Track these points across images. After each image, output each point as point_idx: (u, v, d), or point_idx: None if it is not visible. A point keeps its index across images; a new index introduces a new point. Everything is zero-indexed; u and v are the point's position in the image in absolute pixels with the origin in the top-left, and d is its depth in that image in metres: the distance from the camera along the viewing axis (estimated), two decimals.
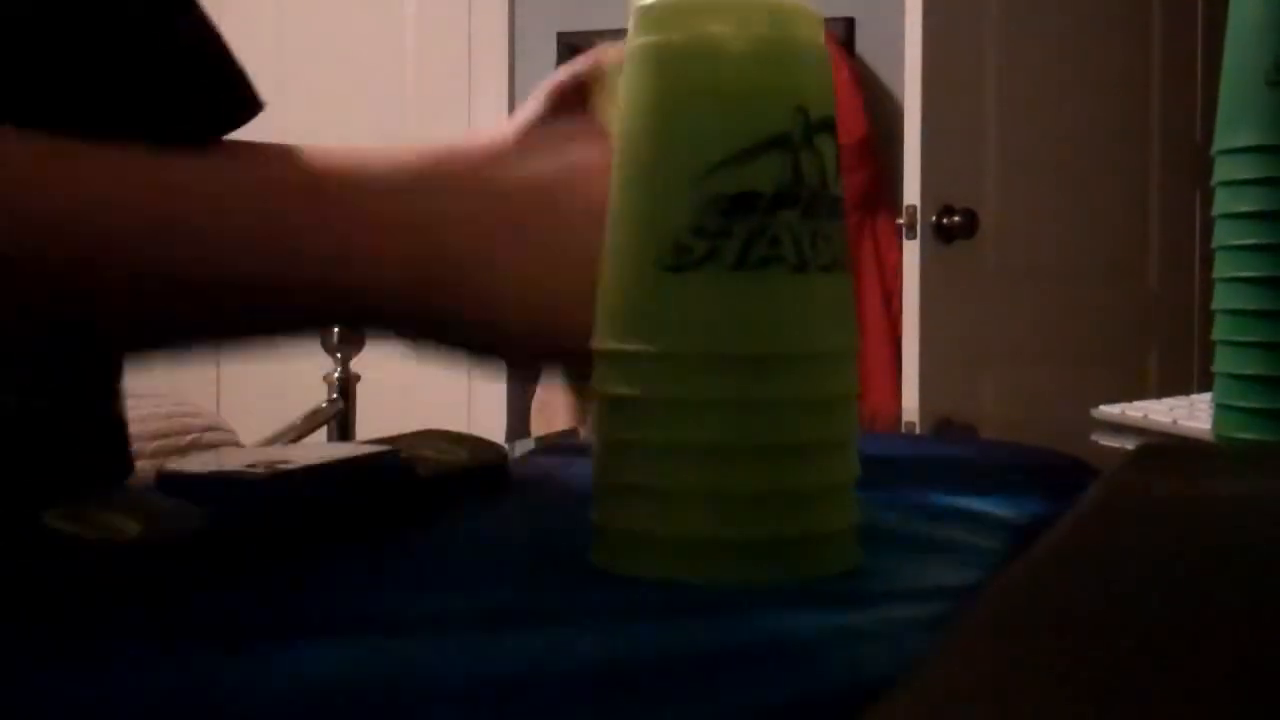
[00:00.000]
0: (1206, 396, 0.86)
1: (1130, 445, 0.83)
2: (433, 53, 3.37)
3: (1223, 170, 0.78)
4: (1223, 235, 0.78)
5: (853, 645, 0.39)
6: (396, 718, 0.34)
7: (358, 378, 2.21)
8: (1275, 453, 0.55)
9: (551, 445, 0.76)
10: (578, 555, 0.49)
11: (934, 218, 2.53)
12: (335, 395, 2.20)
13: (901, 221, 2.55)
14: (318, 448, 0.60)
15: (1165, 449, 0.54)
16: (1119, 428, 0.93)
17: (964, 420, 1.41)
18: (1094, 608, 0.34)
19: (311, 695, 0.35)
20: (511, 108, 3.28)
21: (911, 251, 2.52)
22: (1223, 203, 0.78)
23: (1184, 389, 1.10)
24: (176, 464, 0.54)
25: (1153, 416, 0.90)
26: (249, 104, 0.64)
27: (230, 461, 0.54)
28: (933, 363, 2.55)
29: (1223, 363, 0.77)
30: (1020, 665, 0.29)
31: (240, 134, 0.68)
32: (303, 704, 0.35)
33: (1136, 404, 0.95)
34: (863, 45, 3.01)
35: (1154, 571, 0.37)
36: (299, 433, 2.11)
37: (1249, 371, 0.75)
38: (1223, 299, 0.77)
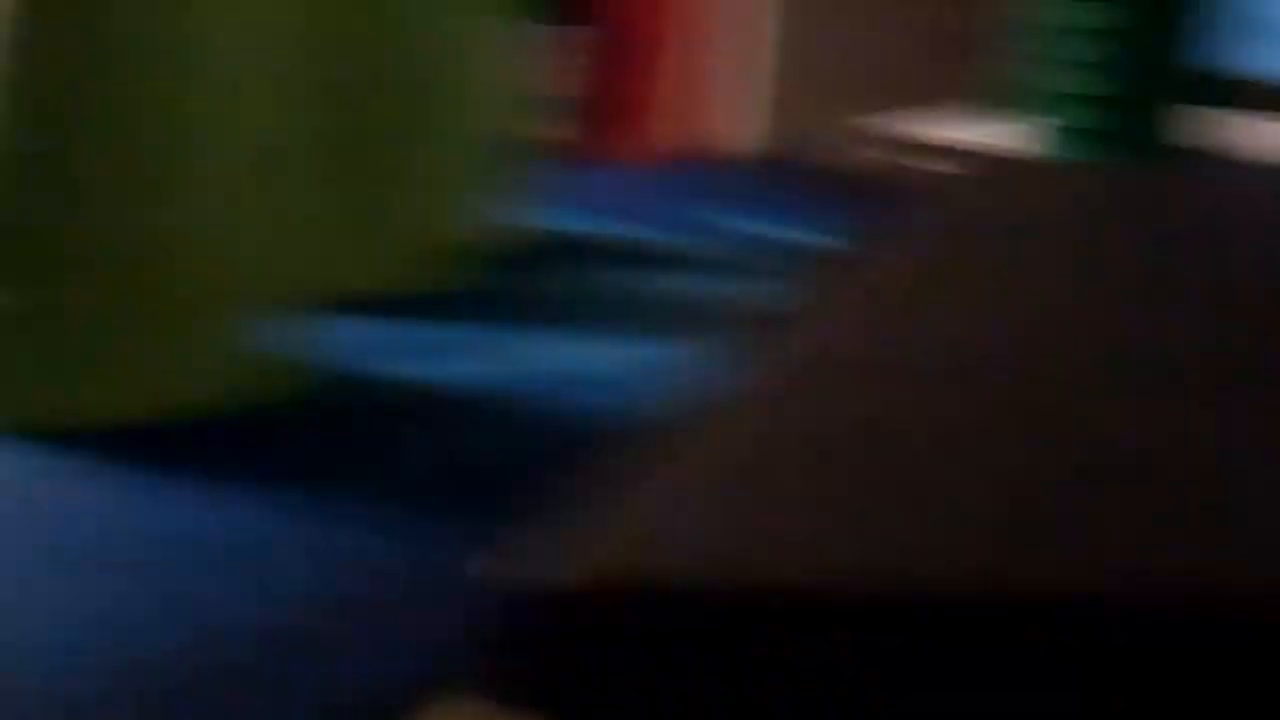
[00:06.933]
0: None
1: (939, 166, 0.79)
2: None
3: None
4: None
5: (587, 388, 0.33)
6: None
7: None
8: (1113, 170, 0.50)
9: None
10: None
11: None
12: None
13: None
14: None
15: (1011, 170, 0.49)
16: (923, 148, 0.88)
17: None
18: (863, 351, 0.28)
19: None
20: None
21: None
22: None
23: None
24: None
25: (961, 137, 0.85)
26: None
27: None
28: None
29: (1052, 84, 0.72)
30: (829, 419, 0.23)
31: None
32: None
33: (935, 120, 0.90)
34: None
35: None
36: None
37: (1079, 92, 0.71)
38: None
